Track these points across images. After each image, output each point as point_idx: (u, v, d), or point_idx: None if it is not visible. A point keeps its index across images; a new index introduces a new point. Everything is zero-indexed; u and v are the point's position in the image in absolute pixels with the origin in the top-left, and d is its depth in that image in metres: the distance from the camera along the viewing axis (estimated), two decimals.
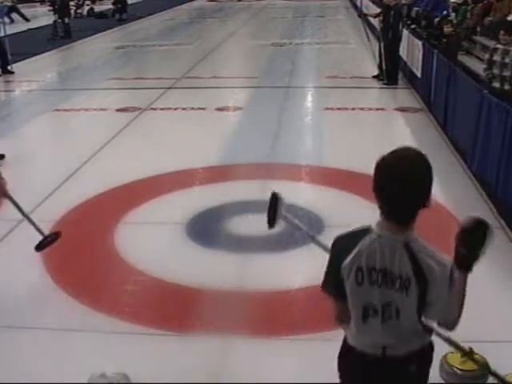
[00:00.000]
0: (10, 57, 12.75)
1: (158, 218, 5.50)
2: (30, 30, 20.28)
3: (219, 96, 10.69)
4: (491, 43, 8.18)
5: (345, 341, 2.34)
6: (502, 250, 4.81)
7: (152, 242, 5.02)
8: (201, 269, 4.57)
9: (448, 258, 2.10)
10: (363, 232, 2.16)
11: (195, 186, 6.36)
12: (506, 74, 6.69)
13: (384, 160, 2.08)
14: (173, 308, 4.13)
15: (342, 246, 2.20)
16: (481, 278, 4.23)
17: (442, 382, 3.30)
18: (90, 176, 6.55)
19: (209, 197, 5.91)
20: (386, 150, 2.11)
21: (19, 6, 24.96)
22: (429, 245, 2.12)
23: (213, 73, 12.50)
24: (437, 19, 11.74)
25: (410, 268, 2.08)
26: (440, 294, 2.09)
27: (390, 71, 10.91)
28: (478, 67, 8.51)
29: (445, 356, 3.32)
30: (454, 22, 11.44)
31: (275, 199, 3.03)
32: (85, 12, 25.26)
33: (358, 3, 22.79)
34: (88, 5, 26.52)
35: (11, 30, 16.86)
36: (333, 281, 2.23)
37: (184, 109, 9.53)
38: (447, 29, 9.96)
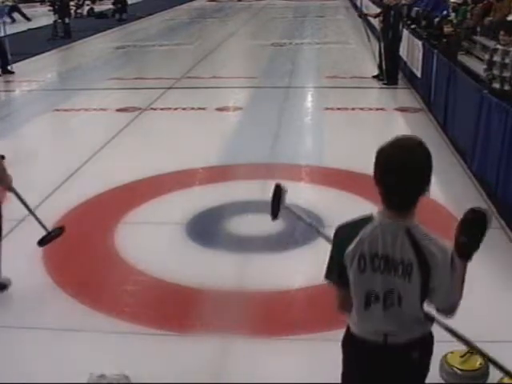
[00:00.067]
0: (10, 57, 12.75)
1: (158, 218, 5.50)
2: (30, 29, 20.29)
3: (219, 96, 10.69)
4: (491, 43, 8.18)
5: (347, 329, 2.35)
6: (502, 249, 4.81)
7: (152, 242, 5.02)
8: (201, 269, 4.57)
9: (449, 243, 2.13)
10: (365, 220, 2.19)
11: (195, 186, 6.36)
12: (506, 74, 6.68)
13: (384, 149, 2.11)
14: (173, 308, 4.13)
15: (344, 234, 2.22)
16: (481, 277, 4.26)
17: (442, 381, 3.30)
18: (90, 176, 6.55)
19: (209, 197, 5.91)
20: None
21: (19, 5, 24.98)
22: (430, 231, 2.15)
23: (213, 73, 12.50)
24: (437, 19, 11.74)
25: (412, 254, 2.11)
26: (442, 280, 2.11)
27: (390, 71, 10.91)
28: (478, 67, 8.51)
29: (445, 356, 3.32)
30: (454, 21, 11.43)
31: (279, 191, 3.03)
32: (85, 12, 25.26)
33: (358, 3, 22.79)
34: (88, 5, 26.51)
35: (11, 29, 16.86)
36: (336, 269, 2.26)
37: (184, 109, 9.53)
38: (447, 29, 9.96)
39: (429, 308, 2.26)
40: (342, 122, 8.79)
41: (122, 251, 4.85)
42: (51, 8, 18.43)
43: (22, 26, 21.20)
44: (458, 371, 3.28)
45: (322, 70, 12.67)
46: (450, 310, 2.21)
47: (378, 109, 9.30)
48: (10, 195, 4.43)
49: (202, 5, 31.29)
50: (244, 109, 9.75)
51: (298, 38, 17.65)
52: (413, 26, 12.45)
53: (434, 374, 3.23)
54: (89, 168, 6.82)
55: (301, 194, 5.73)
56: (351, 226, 2.22)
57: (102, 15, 24.24)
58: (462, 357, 3.30)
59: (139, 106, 9.69)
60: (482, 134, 6.08)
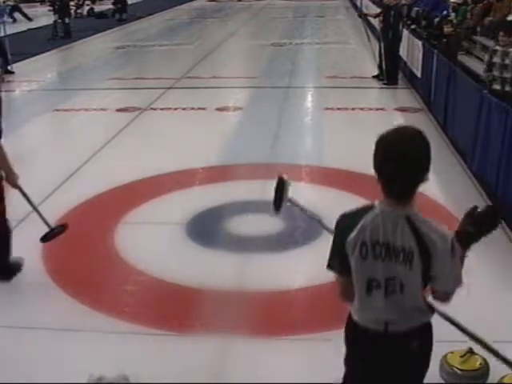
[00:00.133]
0: (10, 57, 12.74)
1: (158, 218, 5.50)
2: (30, 30, 20.29)
3: (219, 96, 10.69)
4: (491, 43, 8.18)
5: (349, 317, 2.39)
6: (502, 249, 4.81)
7: (152, 242, 5.02)
8: (201, 269, 4.57)
9: (448, 229, 2.18)
10: (366, 209, 2.23)
11: (195, 186, 6.36)
12: (507, 75, 6.67)
13: (383, 138, 2.15)
14: (173, 308, 4.13)
15: (346, 222, 2.26)
16: (481, 277, 4.26)
17: (442, 381, 3.30)
18: (90, 176, 6.54)
19: (209, 197, 5.91)
20: None
21: (20, 5, 25.00)
22: (429, 218, 2.19)
23: (213, 73, 12.50)
24: (437, 19, 11.74)
25: (412, 240, 2.14)
26: (442, 266, 2.15)
27: (390, 71, 10.91)
28: (478, 67, 8.52)
29: (445, 356, 3.32)
30: (454, 21, 11.44)
31: (282, 183, 3.05)
32: (85, 12, 25.26)
33: (358, 3, 22.79)
34: (88, 5, 26.52)
35: (11, 29, 16.87)
36: (338, 258, 2.29)
37: (184, 109, 9.53)
38: (447, 29, 9.96)
39: (428, 297, 2.31)
40: (342, 122, 8.79)
41: (122, 251, 4.85)
42: (51, 8, 18.43)
43: (22, 26, 21.21)
44: (458, 371, 3.28)
45: (322, 70, 12.67)
46: (447, 296, 2.26)
47: (377, 109, 9.30)
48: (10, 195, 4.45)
49: (201, 5, 31.29)
50: (244, 109, 9.75)
51: (298, 38, 17.65)
52: (413, 26, 12.45)
53: (434, 374, 3.24)
54: (89, 168, 6.82)
55: (301, 194, 5.70)
56: (353, 214, 2.26)
57: (102, 15, 24.24)
58: (461, 357, 3.30)
59: (139, 105, 9.69)
60: (481, 133, 6.08)
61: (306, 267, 4.68)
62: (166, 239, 5.16)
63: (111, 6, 24.13)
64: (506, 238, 5.03)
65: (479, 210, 2.24)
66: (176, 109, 9.55)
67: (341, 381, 2.52)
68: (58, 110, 9.75)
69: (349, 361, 2.44)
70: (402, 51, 11.37)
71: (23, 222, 4.98)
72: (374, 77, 11.35)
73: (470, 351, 3.31)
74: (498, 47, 6.85)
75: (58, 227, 4.69)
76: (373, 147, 2.18)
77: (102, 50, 16.42)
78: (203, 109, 9.51)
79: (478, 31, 11.93)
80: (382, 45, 10.98)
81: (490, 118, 5.88)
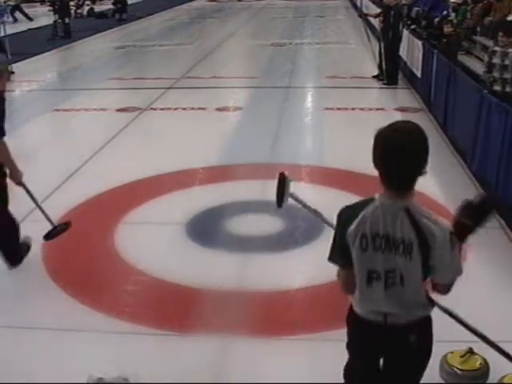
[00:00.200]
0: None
1: (158, 218, 5.50)
2: (30, 30, 20.29)
3: (219, 96, 10.70)
4: (491, 43, 8.17)
5: (350, 308, 2.43)
6: (502, 249, 4.82)
7: (152, 242, 5.02)
8: (201, 269, 4.57)
9: (447, 222, 2.23)
10: (366, 202, 2.29)
11: (195, 186, 6.36)
12: (507, 76, 6.64)
13: (382, 132, 2.20)
14: (173, 308, 4.13)
15: (347, 215, 2.31)
16: (481, 277, 4.26)
17: (442, 381, 3.30)
18: (90, 176, 6.55)
19: (209, 197, 5.91)
20: None
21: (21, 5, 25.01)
22: (428, 210, 2.24)
23: (213, 73, 12.50)
24: (437, 19, 11.73)
25: (412, 232, 2.19)
26: (441, 257, 2.20)
27: (390, 71, 10.91)
28: (478, 67, 8.51)
29: (445, 356, 3.32)
30: (454, 21, 11.43)
31: (283, 179, 3.10)
32: (85, 12, 25.26)
33: (358, 3, 22.81)
34: (88, 5, 26.52)
35: (11, 29, 16.86)
36: (339, 250, 2.34)
37: (184, 109, 9.53)
38: (447, 29, 9.96)
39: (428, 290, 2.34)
40: (342, 122, 8.79)
41: (122, 251, 4.85)
42: (51, 8, 18.43)
43: (22, 25, 21.21)
44: (458, 371, 3.27)
45: (322, 70, 12.67)
46: (447, 287, 2.31)
47: (377, 109, 9.30)
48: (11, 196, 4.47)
49: (202, 5, 31.29)
50: (244, 109, 9.75)
51: (298, 38, 17.65)
52: (413, 26, 12.45)
53: (434, 374, 3.24)
54: (89, 168, 6.82)
55: (301, 194, 5.71)
56: (353, 207, 2.31)
57: (102, 15, 24.23)
58: (461, 357, 3.30)
59: (139, 106, 9.69)
60: (481, 134, 6.08)
61: (306, 267, 4.68)
62: (166, 239, 5.16)
63: (111, 6, 24.13)
64: (506, 238, 5.03)
65: (474, 201, 2.31)
66: (176, 109, 9.55)
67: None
68: (57, 110, 9.75)
69: (350, 349, 2.50)
70: (402, 51, 11.36)
71: (23, 222, 4.97)
72: (374, 77, 11.35)
73: (470, 351, 3.31)
74: (497, 48, 6.83)
75: (61, 225, 4.75)
76: None
77: (101, 49, 16.42)
78: (203, 109, 9.51)
79: (478, 31, 11.92)
80: (382, 45, 10.97)
81: (489, 118, 5.88)
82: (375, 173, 2.28)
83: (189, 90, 11.23)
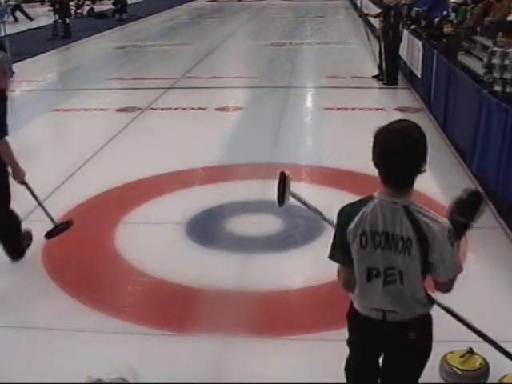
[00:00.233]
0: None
1: (158, 218, 5.50)
2: (29, 30, 20.28)
3: (219, 96, 10.69)
4: (491, 43, 8.18)
5: (351, 305, 2.47)
6: (502, 249, 4.82)
7: (152, 242, 5.02)
8: (201, 269, 4.57)
9: (445, 219, 2.26)
10: (366, 200, 2.31)
11: (195, 186, 6.36)
12: (507, 76, 6.64)
13: (381, 132, 2.23)
14: (173, 308, 4.13)
15: (347, 213, 2.34)
16: (481, 277, 4.26)
17: (442, 381, 3.30)
18: (90, 176, 6.55)
19: (209, 197, 5.91)
20: None
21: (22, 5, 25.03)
22: (427, 208, 2.27)
23: (213, 73, 12.50)
24: (437, 19, 11.73)
25: (410, 229, 2.22)
26: (441, 254, 2.22)
27: (390, 71, 10.91)
28: (478, 67, 8.50)
29: (445, 356, 3.32)
30: (454, 21, 11.42)
31: (284, 178, 3.14)
32: (85, 12, 25.25)
33: (358, 3, 22.82)
34: (88, 5, 26.52)
35: (11, 29, 16.86)
36: (339, 248, 2.36)
37: (184, 109, 9.53)
38: (447, 29, 9.94)
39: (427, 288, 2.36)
40: (342, 122, 8.79)
41: (122, 251, 4.85)
42: (51, 8, 18.43)
43: (22, 25, 21.21)
44: (458, 371, 3.27)
45: (322, 70, 12.67)
46: (449, 285, 2.33)
47: (377, 109, 9.30)
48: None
49: (202, 5, 31.28)
50: (244, 109, 9.74)
51: (298, 38, 17.65)
52: (413, 26, 12.45)
53: (434, 374, 3.24)
54: (89, 168, 6.82)
55: (301, 194, 5.72)
56: (353, 205, 2.35)
57: (102, 15, 24.21)
58: (461, 357, 3.30)
59: (139, 106, 9.69)
60: (481, 134, 6.08)
61: (306, 267, 4.69)
62: (166, 239, 5.16)
63: (111, 6, 24.12)
64: (506, 238, 5.03)
65: (463, 197, 2.38)
66: (176, 109, 9.55)
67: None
68: (57, 110, 9.75)
69: (350, 345, 2.53)
70: (402, 51, 11.36)
71: (23, 222, 4.97)
72: (374, 77, 11.35)
73: (470, 351, 3.31)
74: (496, 48, 6.83)
75: (62, 224, 4.79)
76: None
77: (101, 50, 16.42)
78: (203, 109, 9.51)
79: (478, 31, 11.93)
80: (382, 45, 10.98)
81: (489, 118, 5.88)
82: (375, 172, 2.29)
83: (189, 89, 11.23)
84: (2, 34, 12.95)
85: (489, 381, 3.26)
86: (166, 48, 16.42)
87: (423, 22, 12.51)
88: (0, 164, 4.38)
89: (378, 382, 2.52)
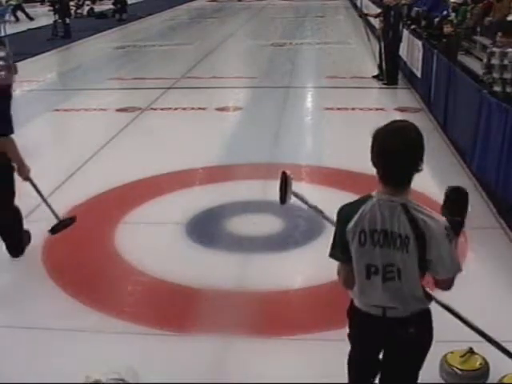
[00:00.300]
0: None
1: (158, 218, 5.50)
2: (29, 30, 20.28)
3: (219, 96, 10.69)
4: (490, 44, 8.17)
5: (351, 302, 2.51)
6: (502, 249, 4.82)
7: (152, 242, 5.02)
8: (201, 269, 4.57)
9: (442, 217, 2.31)
10: (364, 199, 2.36)
11: (195, 186, 6.36)
12: (507, 76, 6.62)
13: (379, 132, 2.29)
14: (173, 308, 4.13)
15: (346, 212, 2.39)
16: (481, 277, 4.27)
17: (442, 381, 3.30)
18: (90, 176, 6.54)
19: (209, 197, 5.91)
20: None
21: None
22: (424, 206, 2.32)
23: (213, 73, 12.50)
24: (437, 19, 11.73)
25: (408, 226, 2.26)
26: (439, 251, 2.26)
27: (390, 71, 10.91)
28: (478, 67, 8.50)
29: (445, 356, 3.32)
30: (454, 21, 11.42)
31: (285, 178, 3.20)
32: (85, 12, 25.26)
33: (358, 3, 22.83)
34: (88, 5, 26.52)
35: (11, 29, 16.87)
36: (339, 246, 2.41)
37: (184, 109, 9.53)
38: (447, 29, 9.94)
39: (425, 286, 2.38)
40: (342, 121, 8.79)
41: (122, 251, 4.85)
42: (51, 8, 18.44)
43: (22, 25, 21.21)
44: (458, 371, 3.27)
45: (322, 70, 12.67)
46: (448, 283, 2.36)
47: (377, 109, 9.30)
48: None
49: (201, 5, 31.28)
50: (244, 109, 9.75)
51: (298, 38, 17.65)
52: (413, 26, 12.45)
53: (434, 374, 3.24)
54: (89, 168, 6.82)
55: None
56: (352, 205, 2.39)
57: (102, 15, 24.21)
58: (462, 357, 3.30)
59: (139, 106, 9.69)
60: (481, 134, 6.08)
61: (306, 267, 4.69)
62: (166, 239, 5.16)
63: (111, 6, 24.11)
64: (506, 238, 5.03)
65: (450, 196, 2.48)
66: (176, 109, 9.55)
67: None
68: (57, 110, 9.74)
69: (351, 340, 2.58)
70: (402, 51, 11.37)
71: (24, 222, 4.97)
72: (374, 77, 11.35)
73: (470, 351, 3.31)
74: (495, 49, 6.81)
75: (66, 219, 4.82)
76: None
77: (101, 50, 16.42)
78: (203, 109, 9.51)
79: (478, 31, 11.93)
80: (382, 45, 10.98)
81: (489, 118, 5.88)
82: (375, 172, 2.32)
83: (189, 90, 11.23)
84: (3, 33, 12.96)
85: (489, 381, 3.26)
86: (166, 48, 16.42)
87: (423, 22, 12.51)
88: (5, 162, 4.42)
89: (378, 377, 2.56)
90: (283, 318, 4.05)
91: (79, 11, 24.82)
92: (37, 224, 4.84)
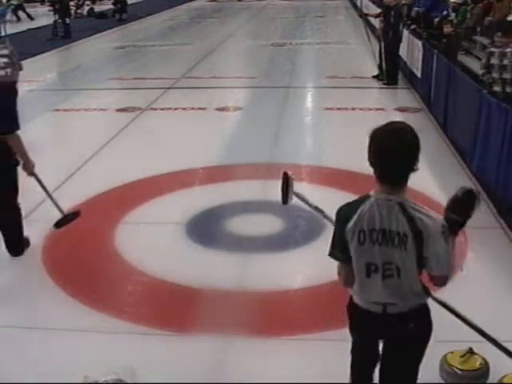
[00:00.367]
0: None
1: (158, 218, 5.50)
2: (29, 30, 20.28)
3: (219, 96, 10.69)
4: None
5: (350, 299, 2.55)
6: (502, 249, 4.82)
7: (152, 242, 5.02)
8: (201, 269, 4.57)
9: (439, 216, 2.36)
10: (363, 199, 2.41)
11: (195, 186, 6.36)
12: (506, 76, 6.62)
13: (376, 133, 2.34)
14: (173, 308, 4.13)
15: (345, 212, 2.44)
16: (481, 277, 4.27)
17: (442, 381, 3.30)
18: (90, 176, 6.55)
19: (209, 197, 5.91)
20: None
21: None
22: (421, 205, 2.37)
23: (213, 73, 12.50)
24: (437, 19, 11.73)
25: (406, 225, 2.31)
26: (435, 249, 2.32)
27: (390, 71, 10.91)
28: (478, 67, 8.50)
29: (445, 356, 3.32)
30: (454, 21, 11.42)
31: (286, 178, 3.26)
32: (85, 12, 25.26)
33: (358, 3, 22.83)
34: (88, 5, 26.52)
35: (11, 29, 16.87)
36: (339, 246, 2.45)
37: (184, 109, 9.53)
38: (447, 29, 9.93)
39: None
40: (342, 122, 8.78)
41: (122, 251, 4.85)
42: (51, 8, 18.44)
43: (22, 25, 21.21)
44: (458, 371, 3.27)
45: (322, 70, 12.67)
46: (444, 280, 2.41)
47: (377, 109, 9.30)
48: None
49: (201, 5, 31.28)
50: (244, 109, 9.75)
51: (298, 38, 17.65)
52: (413, 26, 12.45)
53: (434, 374, 3.24)
54: (89, 168, 6.82)
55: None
56: (351, 205, 2.44)
57: (102, 15, 24.22)
58: (461, 357, 3.30)
59: (139, 106, 9.69)
60: (481, 134, 6.08)
61: (306, 267, 4.69)
62: (166, 239, 5.16)
63: (111, 6, 24.12)
64: (506, 238, 5.04)
65: (458, 195, 2.46)
66: (176, 109, 9.55)
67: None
68: (57, 110, 9.75)
69: (352, 334, 2.62)
70: (402, 51, 11.37)
71: (23, 222, 4.97)
72: (374, 77, 11.35)
73: (470, 351, 3.31)
74: (494, 49, 6.80)
75: (70, 214, 4.85)
76: None
77: (101, 50, 16.42)
78: (203, 109, 9.51)
79: (478, 31, 11.93)
80: (382, 45, 10.98)
81: (489, 118, 5.88)
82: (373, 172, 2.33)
83: (189, 90, 11.23)
84: (3, 33, 12.95)
85: (489, 381, 3.26)
86: (166, 48, 16.42)
87: (423, 22, 12.50)
88: (10, 160, 4.47)
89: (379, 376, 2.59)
90: (283, 318, 4.05)
91: (79, 11, 24.82)
92: (37, 224, 4.84)
